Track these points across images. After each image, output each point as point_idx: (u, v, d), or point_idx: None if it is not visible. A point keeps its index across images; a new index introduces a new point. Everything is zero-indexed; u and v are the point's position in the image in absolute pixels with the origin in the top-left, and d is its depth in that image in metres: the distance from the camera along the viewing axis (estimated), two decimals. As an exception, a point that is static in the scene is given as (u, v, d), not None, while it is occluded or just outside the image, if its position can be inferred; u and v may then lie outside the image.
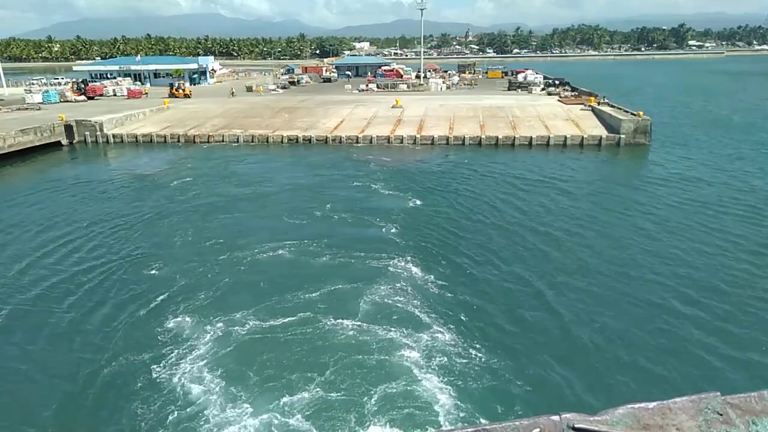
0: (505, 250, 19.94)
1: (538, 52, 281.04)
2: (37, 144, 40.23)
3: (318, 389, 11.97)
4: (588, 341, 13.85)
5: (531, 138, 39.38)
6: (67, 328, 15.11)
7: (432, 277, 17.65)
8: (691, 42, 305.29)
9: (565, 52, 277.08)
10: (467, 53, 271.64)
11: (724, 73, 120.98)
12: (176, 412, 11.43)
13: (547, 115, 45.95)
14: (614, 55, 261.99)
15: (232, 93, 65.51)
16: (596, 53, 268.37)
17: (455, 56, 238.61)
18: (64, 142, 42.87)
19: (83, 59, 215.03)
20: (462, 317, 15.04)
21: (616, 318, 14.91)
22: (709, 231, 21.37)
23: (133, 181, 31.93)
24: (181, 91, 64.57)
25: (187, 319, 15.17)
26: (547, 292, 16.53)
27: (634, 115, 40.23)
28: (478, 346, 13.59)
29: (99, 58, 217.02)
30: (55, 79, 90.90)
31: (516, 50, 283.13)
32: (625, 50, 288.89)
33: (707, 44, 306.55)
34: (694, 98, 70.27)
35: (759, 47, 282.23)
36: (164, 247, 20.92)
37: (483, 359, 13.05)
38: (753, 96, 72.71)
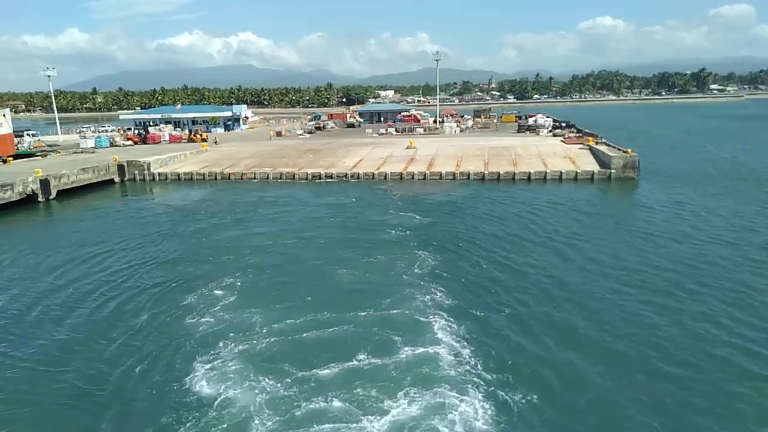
0: (486, 253, 24.06)
1: (558, 97, 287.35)
2: (95, 181, 46.22)
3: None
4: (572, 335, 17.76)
5: (530, 173, 43.63)
6: (100, 322, 18.77)
7: (432, 263, 22.11)
8: (712, 86, 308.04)
9: (585, 97, 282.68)
10: (488, 99, 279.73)
11: (731, 117, 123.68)
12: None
13: (547, 154, 50.30)
14: (633, 99, 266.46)
15: (271, 136, 72.18)
16: (615, 98, 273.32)
17: (476, 102, 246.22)
18: (117, 179, 48.85)
19: (124, 109, 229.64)
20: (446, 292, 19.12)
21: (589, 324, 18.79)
22: (675, 245, 25.13)
23: (174, 210, 37.14)
24: (198, 136, 71.58)
25: (215, 318, 18.46)
26: (531, 288, 20.54)
27: (624, 152, 44.28)
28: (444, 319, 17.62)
29: (139, 107, 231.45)
30: (102, 127, 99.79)
31: (536, 96, 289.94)
32: (646, 95, 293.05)
33: (729, 88, 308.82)
34: (689, 139, 73.96)
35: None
36: (199, 262, 25.46)
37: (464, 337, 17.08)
38: (736, 137, 75.98)
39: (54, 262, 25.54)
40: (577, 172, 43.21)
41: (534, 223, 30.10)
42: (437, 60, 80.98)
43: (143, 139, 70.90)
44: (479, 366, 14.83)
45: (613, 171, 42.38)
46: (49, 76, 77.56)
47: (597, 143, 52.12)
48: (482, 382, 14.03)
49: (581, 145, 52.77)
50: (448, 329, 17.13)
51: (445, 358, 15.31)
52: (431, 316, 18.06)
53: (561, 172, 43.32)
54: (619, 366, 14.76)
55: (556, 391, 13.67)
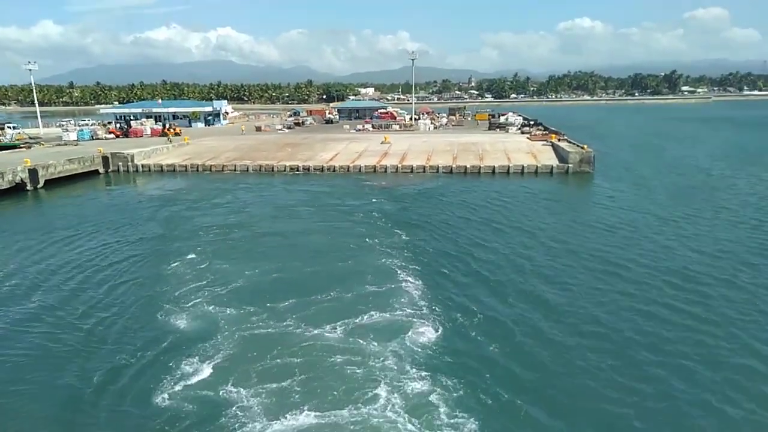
0: (451, 233, 27.05)
1: (535, 97, 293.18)
2: (80, 171, 48.07)
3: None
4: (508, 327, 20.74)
5: (494, 167, 46.79)
6: (82, 314, 19.19)
7: (404, 238, 25.18)
8: (684, 87, 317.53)
9: (561, 97, 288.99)
10: (467, 98, 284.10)
11: (693, 119, 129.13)
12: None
13: (512, 149, 53.60)
14: (607, 99, 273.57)
15: (243, 130, 74.06)
16: (590, 98, 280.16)
17: (454, 101, 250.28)
18: (101, 170, 50.70)
19: (102, 103, 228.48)
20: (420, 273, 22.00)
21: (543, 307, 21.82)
22: (615, 229, 28.44)
23: (156, 198, 39.31)
24: (172, 130, 73.35)
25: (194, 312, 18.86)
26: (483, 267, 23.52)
27: (581, 148, 47.74)
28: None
29: (117, 102, 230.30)
30: (83, 120, 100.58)
31: (513, 95, 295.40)
32: (619, 95, 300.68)
33: (699, 90, 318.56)
34: (645, 138, 78.39)
35: (748, 93, 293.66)
36: (180, 247, 27.91)
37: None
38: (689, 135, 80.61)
39: (43, 244, 27.60)
40: (537, 166, 46.51)
41: (494, 209, 33.38)
42: (413, 59, 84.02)
43: (125, 133, 72.47)
44: (443, 318, 17.72)
45: (570, 165, 45.76)
46: (30, 70, 78.35)
47: (559, 140, 55.59)
48: (440, 327, 16.93)
49: (544, 142, 56.21)
50: (416, 289, 20.17)
51: (410, 313, 18.17)
52: (401, 278, 21.09)
53: (523, 166, 46.55)
54: (568, 319, 17.81)
55: (510, 341, 16.47)
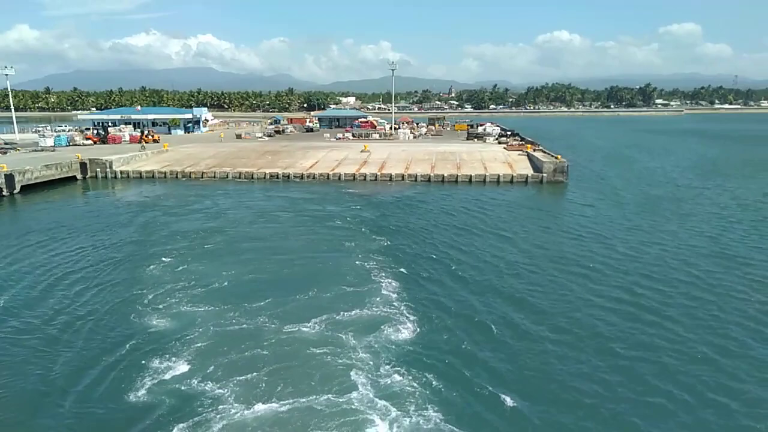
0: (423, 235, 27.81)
1: (513, 108, 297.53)
2: (58, 177, 47.80)
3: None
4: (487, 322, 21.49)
5: (471, 176, 47.84)
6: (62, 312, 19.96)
7: (382, 242, 25.74)
8: (658, 100, 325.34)
9: (539, 108, 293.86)
10: (447, 108, 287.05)
11: (664, 132, 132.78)
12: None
13: (489, 159, 54.80)
14: (583, 111, 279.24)
15: (221, 137, 74.12)
16: (567, 110, 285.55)
17: (434, 111, 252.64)
18: (79, 176, 50.44)
19: (79, 109, 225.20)
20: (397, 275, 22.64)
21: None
22: (587, 235, 29.51)
23: (135, 205, 39.23)
24: (150, 137, 73.21)
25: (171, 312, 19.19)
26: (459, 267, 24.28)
27: (555, 158, 49.10)
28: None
29: (95, 108, 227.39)
30: (59, 126, 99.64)
31: (492, 106, 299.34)
32: (596, 107, 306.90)
33: (673, 103, 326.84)
34: (618, 150, 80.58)
35: (718, 106, 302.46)
36: (157, 251, 28.04)
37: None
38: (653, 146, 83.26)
39: (16, 249, 27.63)
40: (513, 176, 47.69)
41: (470, 215, 34.54)
42: (392, 69, 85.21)
43: (102, 139, 71.91)
44: (418, 315, 18.39)
45: (544, 175, 47.01)
46: (7, 75, 77.34)
47: (534, 150, 57.00)
48: (415, 318, 17.59)
49: (520, 152, 57.55)
50: (392, 289, 20.95)
51: (389, 311, 18.84)
52: (377, 278, 21.78)
53: (499, 175, 47.69)
54: (537, 315, 18.83)
55: (483, 335, 17.29)
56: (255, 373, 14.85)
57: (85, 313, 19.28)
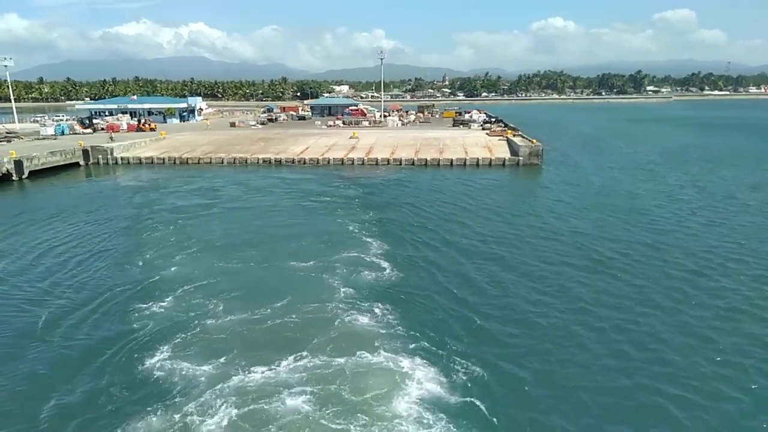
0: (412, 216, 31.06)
1: (505, 95, 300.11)
2: (62, 163, 50.63)
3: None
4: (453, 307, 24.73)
5: (452, 159, 50.98)
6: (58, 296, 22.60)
7: (373, 217, 29.07)
8: (648, 87, 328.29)
9: (530, 96, 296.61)
10: (439, 96, 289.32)
11: (650, 119, 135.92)
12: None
13: (470, 144, 57.93)
14: (574, 98, 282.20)
15: (207, 125, 77.22)
16: (558, 97, 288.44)
17: (427, 99, 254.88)
18: (82, 162, 53.26)
19: (73, 99, 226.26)
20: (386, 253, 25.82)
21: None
22: (556, 211, 32.82)
23: (137, 189, 42.18)
24: (147, 125, 75.86)
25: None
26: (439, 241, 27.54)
27: (531, 142, 52.25)
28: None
29: (88, 98, 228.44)
30: (57, 116, 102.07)
31: (485, 93, 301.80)
32: (587, 94, 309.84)
33: (663, 89, 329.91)
34: (599, 136, 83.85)
35: (708, 92, 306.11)
36: (155, 225, 31.31)
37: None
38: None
39: (29, 224, 30.64)
40: (491, 159, 50.86)
41: (450, 194, 38.12)
42: (382, 58, 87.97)
43: (90, 128, 74.55)
44: (401, 267, 21.66)
45: (521, 158, 50.19)
46: (6, 66, 79.42)
47: (514, 135, 60.09)
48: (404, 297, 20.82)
49: (501, 137, 60.69)
50: (383, 259, 23.74)
51: (378, 284, 21.91)
52: (364, 240, 25.05)
53: (478, 159, 50.85)
54: (510, 270, 22.14)
55: (462, 284, 20.55)
56: (249, 311, 18.08)
57: (88, 277, 22.27)
